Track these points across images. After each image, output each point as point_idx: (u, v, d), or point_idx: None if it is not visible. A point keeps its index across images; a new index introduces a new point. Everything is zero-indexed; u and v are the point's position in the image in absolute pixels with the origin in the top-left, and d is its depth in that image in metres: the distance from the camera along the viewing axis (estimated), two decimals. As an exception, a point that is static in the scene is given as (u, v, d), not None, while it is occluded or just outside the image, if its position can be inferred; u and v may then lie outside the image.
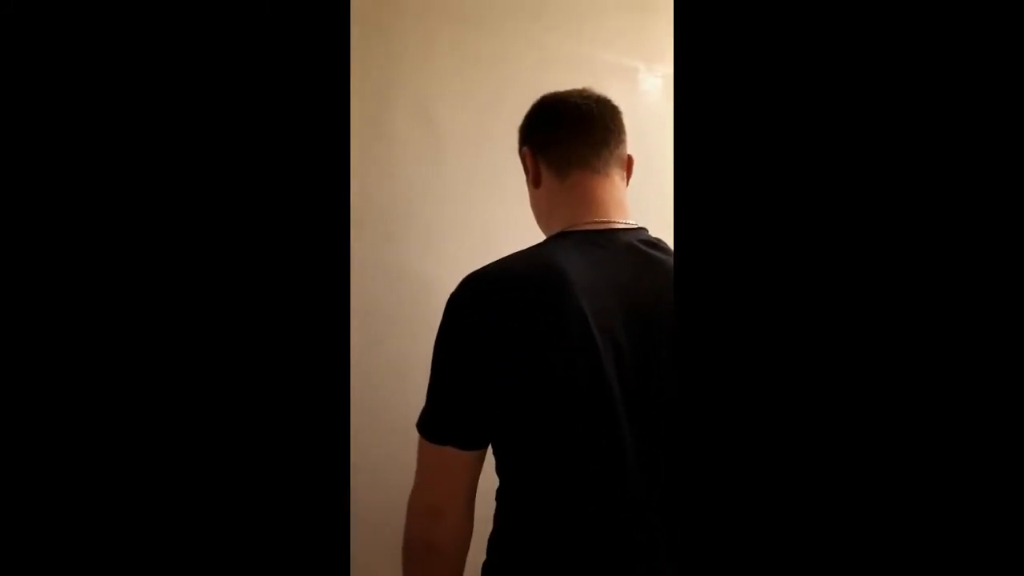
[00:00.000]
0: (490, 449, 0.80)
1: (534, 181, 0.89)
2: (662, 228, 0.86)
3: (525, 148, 0.90)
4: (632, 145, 0.91)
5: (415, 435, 0.79)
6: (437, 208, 1.35)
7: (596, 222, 0.82)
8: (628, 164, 0.89)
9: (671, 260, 0.83)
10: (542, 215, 0.91)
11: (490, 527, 0.84)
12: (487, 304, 0.74)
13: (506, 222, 1.39)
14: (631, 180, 0.92)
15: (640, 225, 0.85)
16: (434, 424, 0.76)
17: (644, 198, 0.91)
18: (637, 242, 0.82)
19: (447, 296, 0.78)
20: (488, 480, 0.81)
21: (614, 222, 0.83)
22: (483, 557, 0.85)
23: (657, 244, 0.84)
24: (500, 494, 0.82)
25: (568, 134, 0.86)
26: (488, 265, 0.78)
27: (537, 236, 0.90)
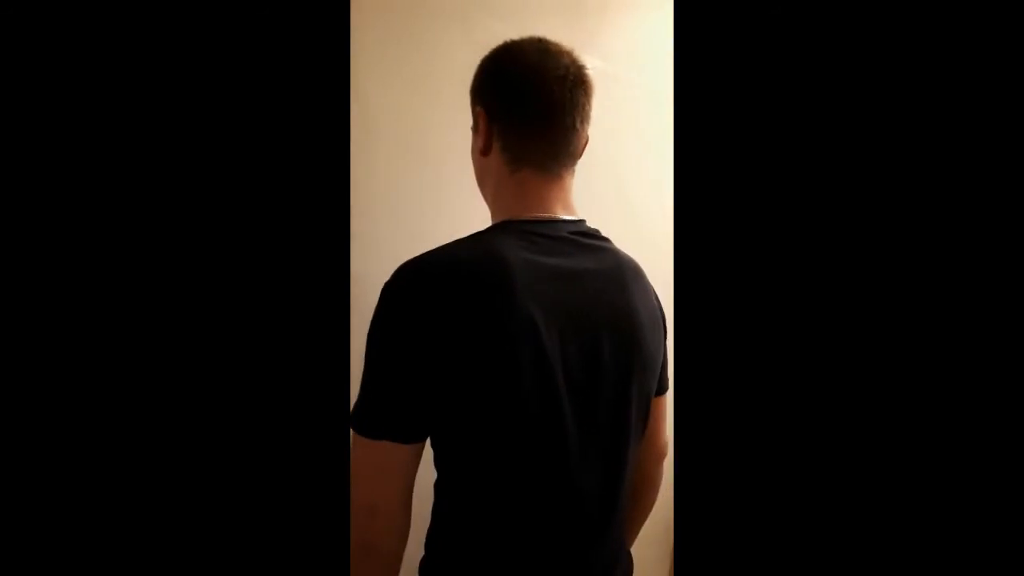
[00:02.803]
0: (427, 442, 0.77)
1: (483, 149, 0.83)
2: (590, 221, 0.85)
3: (480, 109, 0.83)
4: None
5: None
6: (363, 190, 1.29)
7: (540, 217, 0.80)
8: (582, 148, 0.85)
9: (612, 249, 0.83)
10: (484, 187, 0.87)
11: (427, 523, 0.82)
12: (428, 292, 0.70)
13: (437, 203, 1.36)
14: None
15: (580, 218, 0.84)
16: (369, 418, 0.72)
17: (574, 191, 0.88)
18: (579, 233, 0.81)
19: (374, 288, 0.74)
20: (425, 474, 0.78)
21: (558, 217, 0.81)
22: (420, 553, 0.82)
23: (596, 235, 0.83)
24: (439, 488, 0.80)
25: (533, 128, 0.79)
26: (427, 252, 0.74)
27: (471, 220, 0.87)
